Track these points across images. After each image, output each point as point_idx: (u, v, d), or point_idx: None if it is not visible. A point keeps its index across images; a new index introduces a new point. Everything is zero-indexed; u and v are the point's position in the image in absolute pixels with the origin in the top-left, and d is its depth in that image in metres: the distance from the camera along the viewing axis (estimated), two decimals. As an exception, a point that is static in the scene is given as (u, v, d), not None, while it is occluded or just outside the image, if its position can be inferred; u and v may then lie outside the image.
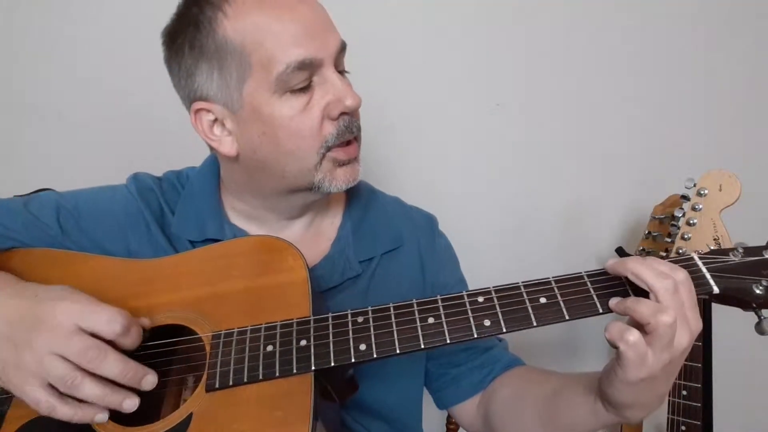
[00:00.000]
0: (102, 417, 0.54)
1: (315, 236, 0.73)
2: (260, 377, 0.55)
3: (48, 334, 0.52)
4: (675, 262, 0.55)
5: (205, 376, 0.56)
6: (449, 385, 0.77)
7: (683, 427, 0.95)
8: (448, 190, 1.19)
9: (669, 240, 0.87)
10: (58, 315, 0.52)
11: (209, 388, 0.55)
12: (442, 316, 0.55)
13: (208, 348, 0.58)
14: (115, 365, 0.53)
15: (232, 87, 0.60)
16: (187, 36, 0.60)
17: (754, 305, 0.53)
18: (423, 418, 0.81)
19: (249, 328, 0.58)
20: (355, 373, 0.60)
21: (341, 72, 0.65)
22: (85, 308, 0.53)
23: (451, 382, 0.77)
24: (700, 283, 0.53)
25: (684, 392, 0.95)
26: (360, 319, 0.57)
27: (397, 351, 0.54)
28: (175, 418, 0.54)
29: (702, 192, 0.82)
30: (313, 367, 0.54)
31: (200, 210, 0.71)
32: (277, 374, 0.54)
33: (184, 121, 0.65)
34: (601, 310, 0.54)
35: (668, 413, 0.97)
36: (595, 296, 0.54)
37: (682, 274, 0.51)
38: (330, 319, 0.57)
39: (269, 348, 0.56)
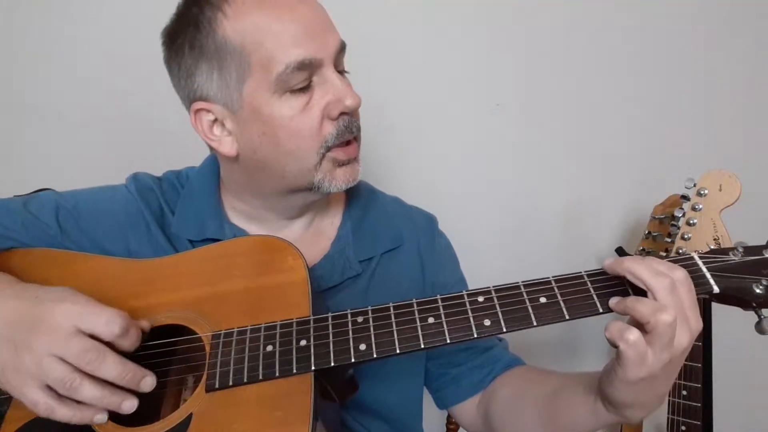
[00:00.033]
0: (101, 418, 0.54)
1: (315, 236, 0.73)
2: (260, 377, 0.55)
3: (47, 335, 0.52)
4: (675, 261, 0.55)
5: (204, 376, 0.56)
6: (449, 385, 0.77)
7: (683, 427, 0.95)
8: (448, 190, 1.19)
9: (669, 240, 0.87)
10: (57, 316, 0.52)
11: (209, 388, 0.55)
12: (442, 316, 0.55)
13: (207, 348, 0.58)
14: (113, 367, 0.53)
15: (232, 87, 0.60)
16: (187, 36, 0.60)
17: (754, 304, 0.53)
18: (423, 417, 0.81)
19: (249, 328, 0.58)
20: (355, 372, 0.60)
21: (341, 72, 0.65)
22: (84, 310, 0.53)
23: (451, 381, 0.77)
24: (700, 282, 0.53)
25: (684, 392, 0.95)
26: (360, 319, 0.56)
27: (397, 351, 0.54)
28: (174, 418, 0.54)
29: (702, 192, 0.82)
30: (313, 367, 0.54)
31: (200, 209, 0.71)
32: (277, 374, 0.54)
33: (184, 121, 0.65)
34: (601, 310, 0.53)
35: (668, 413, 0.97)
36: (595, 296, 0.54)
37: (681, 273, 0.51)
38: (330, 319, 0.57)
39: (269, 348, 0.56)
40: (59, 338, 0.51)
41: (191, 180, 0.74)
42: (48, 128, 1.03)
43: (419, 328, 0.55)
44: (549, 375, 0.70)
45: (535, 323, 0.54)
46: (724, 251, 0.56)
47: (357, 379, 0.61)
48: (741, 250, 0.56)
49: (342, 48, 0.63)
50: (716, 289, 0.53)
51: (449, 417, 1.02)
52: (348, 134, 0.63)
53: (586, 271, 0.56)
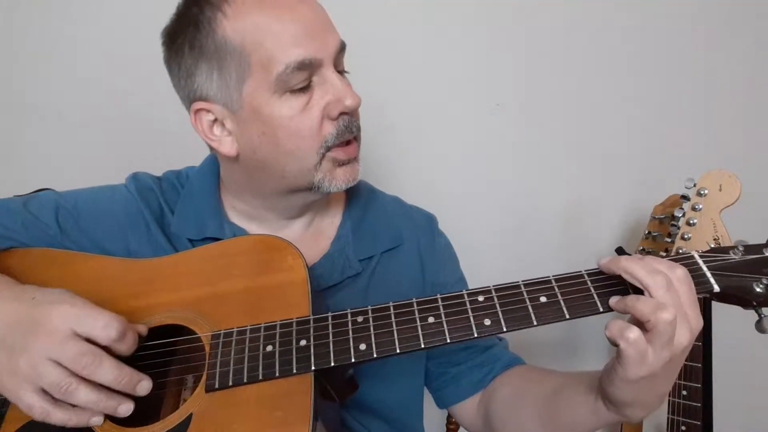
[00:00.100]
0: (96, 420, 0.54)
1: (315, 235, 0.73)
2: (260, 377, 0.54)
3: (43, 338, 0.51)
4: (675, 260, 0.55)
5: (204, 377, 0.56)
6: (449, 384, 0.77)
7: (683, 427, 0.95)
8: (448, 190, 1.19)
9: (669, 240, 0.87)
10: (54, 319, 0.52)
11: (209, 389, 0.55)
12: (442, 316, 0.55)
13: (207, 348, 0.58)
14: (109, 372, 0.52)
15: (232, 87, 0.60)
16: (187, 36, 0.60)
17: (755, 303, 0.53)
18: (423, 417, 0.81)
19: (248, 328, 0.58)
20: (354, 372, 0.60)
21: (341, 72, 0.65)
22: (81, 313, 0.53)
23: (451, 381, 0.77)
24: (700, 281, 0.53)
25: (684, 392, 0.95)
26: (360, 319, 0.56)
27: (397, 350, 0.54)
28: (174, 418, 0.54)
29: (702, 192, 0.82)
30: (312, 367, 0.54)
31: (200, 209, 0.71)
32: (277, 374, 0.54)
33: (184, 121, 0.65)
34: (601, 309, 0.53)
35: (668, 413, 0.97)
36: (595, 295, 0.54)
37: (681, 271, 0.51)
38: (330, 318, 0.57)
39: (269, 348, 0.56)
40: (55, 341, 0.51)
41: (191, 180, 0.74)
42: (48, 128, 1.03)
43: (419, 328, 0.55)
44: (549, 374, 0.70)
45: (535, 323, 0.54)
46: (725, 250, 0.56)
47: (357, 379, 0.61)
48: (741, 248, 0.56)
49: (342, 48, 0.63)
50: (716, 288, 0.53)
51: (449, 417, 1.02)
52: (348, 134, 0.63)
53: (586, 270, 0.56)
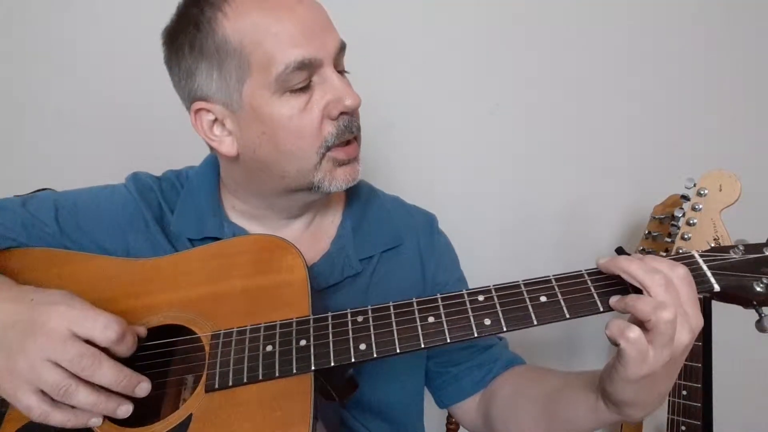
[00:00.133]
0: (95, 421, 0.54)
1: (315, 235, 0.73)
2: (260, 377, 0.54)
3: (42, 339, 0.51)
4: (676, 260, 0.54)
5: (204, 377, 0.56)
6: (449, 384, 0.77)
7: (683, 427, 0.95)
8: (448, 190, 1.19)
9: (669, 240, 0.87)
10: (53, 320, 0.52)
11: (209, 389, 0.55)
12: (442, 315, 0.55)
13: (207, 348, 0.57)
14: (108, 373, 0.52)
15: (232, 87, 0.60)
16: (187, 36, 0.60)
17: (755, 302, 0.53)
18: (423, 417, 0.81)
19: (248, 327, 0.58)
20: (355, 372, 0.60)
21: (341, 72, 0.65)
22: (80, 314, 0.53)
23: (451, 380, 0.77)
24: (701, 281, 0.53)
25: (684, 392, 0.94)
26: (360, 319, 0.56)
27: (397, 350, 0.54)
28: (174, 418, 0.54)
29: (702, 192, 0.82)
30: (312, 367, 0.54)
31: (200, 208, 0.71)
32: (277, 374, 0.54)
33: (184, 121, 0.65)
34: (601, 308, 0.53)
35: (668, 413, 0.97)
36: (595, 294, 0.54)
37: (681, 270, 0.50)
38: (330, 318, 0.57)
39: (269, 348, 0.56)
40: (54, 343, 0.51)
41: (191, 179, 0.74)
42: (48, 128, 1.03)
43: (419, 328, 0.55)
44: (549, 374, 0.70)
45: (535, 322, 0.53)
46: (725, 249, 0.56)
47: (357, 379, 0.61)
48: (741, 248, 0.56)
49: (342, 48, 0.63)
50: (717, 288, 0.53)
51: (449, 417, 1.02)
52: (348, 134, 0.63)
53: (586, 270, 0.56)
